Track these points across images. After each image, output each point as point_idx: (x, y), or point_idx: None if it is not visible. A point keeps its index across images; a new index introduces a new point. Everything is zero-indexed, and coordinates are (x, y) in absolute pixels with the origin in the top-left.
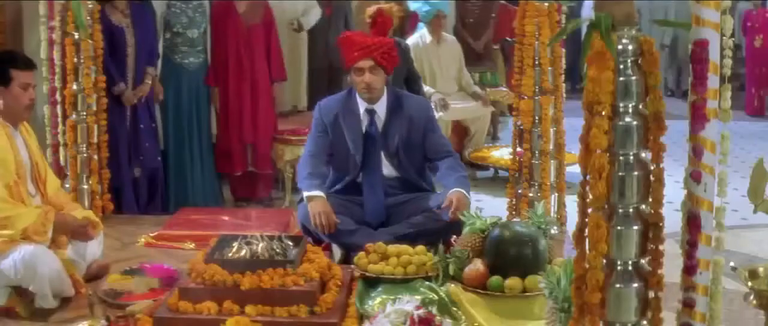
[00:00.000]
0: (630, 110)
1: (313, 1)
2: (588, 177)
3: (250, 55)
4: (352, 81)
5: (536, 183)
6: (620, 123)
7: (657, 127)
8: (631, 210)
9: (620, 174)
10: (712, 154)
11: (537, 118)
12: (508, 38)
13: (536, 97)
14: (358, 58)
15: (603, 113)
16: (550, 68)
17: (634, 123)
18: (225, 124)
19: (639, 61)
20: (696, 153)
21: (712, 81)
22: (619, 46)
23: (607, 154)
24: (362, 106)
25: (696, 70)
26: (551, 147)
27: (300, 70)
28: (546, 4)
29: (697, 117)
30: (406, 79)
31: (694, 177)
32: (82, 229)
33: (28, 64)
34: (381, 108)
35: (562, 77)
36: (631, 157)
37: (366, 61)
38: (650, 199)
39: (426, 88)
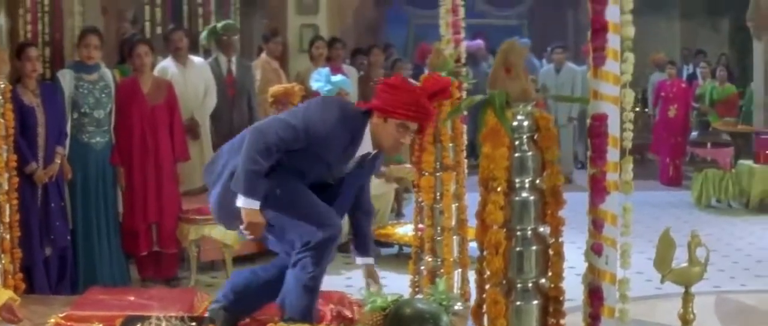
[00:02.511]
0: (526, 185)
1: (212, 83)
2: (485, 252)
3: (154, 135)
4: (378, 126)
5: (439, 259)
6: (517, 198)
7: (555, 201)
8: (529, 285)
9: (518, 249)
10: (613, 227)
11: (439, 194)
12: None
13: (438, 174)
14: (413, 119)
15: (498, 189)
16: (451, 144)
17: (531, 198)
18: (130, 203)
19: (535, 137)
20: (596, 226)
21: (612, 154)
22: (515, 123)
23: (504, 230)
24: (368, 146)
25: (594, 144)
26: (454, 222)
27: (204, 149)
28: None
29: (597, 190)
30: None
31: (594, 249)
32: (9, 318)
33: None
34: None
35: (464, 153)
36: (529, 232)
37: (415, 124)
38: (550, 273)
39: None
